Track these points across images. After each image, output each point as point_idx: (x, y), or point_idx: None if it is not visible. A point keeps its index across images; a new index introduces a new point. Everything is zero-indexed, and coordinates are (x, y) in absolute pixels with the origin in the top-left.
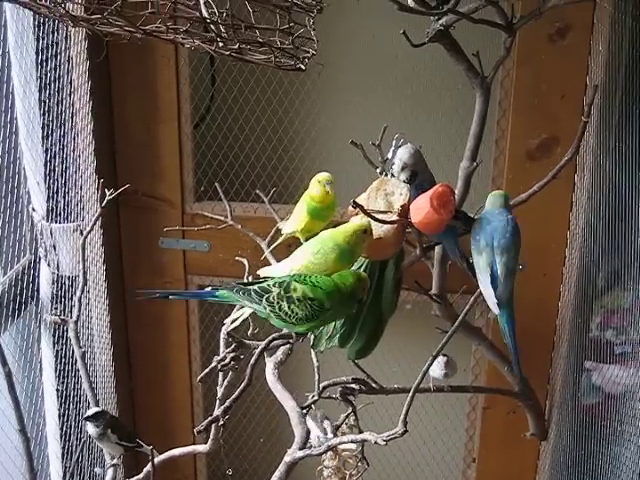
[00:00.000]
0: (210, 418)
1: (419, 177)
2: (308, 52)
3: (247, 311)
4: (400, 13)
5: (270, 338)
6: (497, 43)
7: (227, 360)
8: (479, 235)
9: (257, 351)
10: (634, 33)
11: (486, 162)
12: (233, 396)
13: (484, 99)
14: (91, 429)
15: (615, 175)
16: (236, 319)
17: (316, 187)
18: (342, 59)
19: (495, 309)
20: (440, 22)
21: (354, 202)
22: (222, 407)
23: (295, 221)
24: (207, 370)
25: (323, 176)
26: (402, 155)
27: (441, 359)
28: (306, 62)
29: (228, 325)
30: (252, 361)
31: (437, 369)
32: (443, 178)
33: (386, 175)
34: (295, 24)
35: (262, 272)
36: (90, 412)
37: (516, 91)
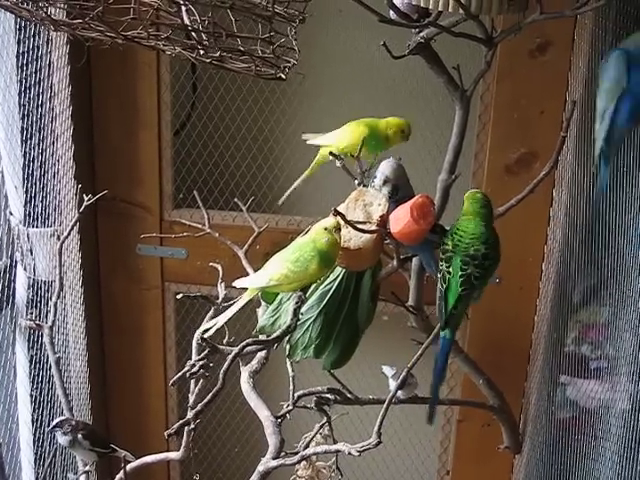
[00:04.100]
0: (181, 421)
1: (400, 192)
2: (289, 62)
3: (221, 320)
4: (381, 25)
5: (244, 344)
6: (478, 57)
7: (196, 368)
8: None
9: (230, 357)
10: None
11: (465, 175)
12: (205, 400)
13: (464, 112)
14: (60, 438)
15: (592, 190)
16: (209, 329)
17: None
18: (323, 69)
19: None
20: (421, 35)
21: (335, 210)
22: (194, 411)
23: (347, 135)
24: (180, 374)
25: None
26: (384, 169)
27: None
28: (287, 72)
29: (200, 334)
30: (224, 367)
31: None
32: (421, 190)
33: (365, 186)
34: (276, 33)
35: (238, 283)
36: (56, 421)
37: (496, 105)
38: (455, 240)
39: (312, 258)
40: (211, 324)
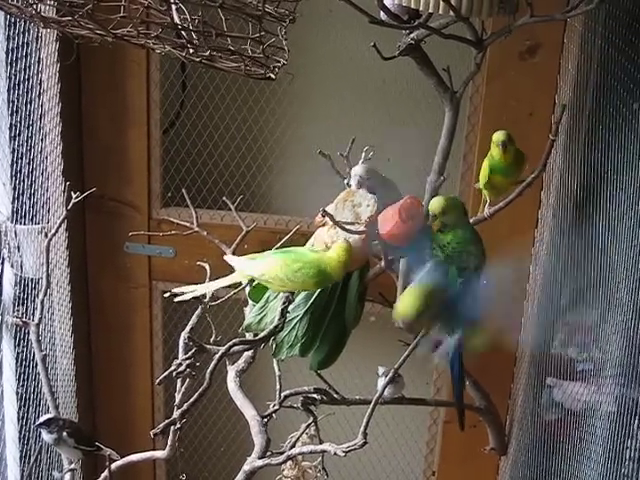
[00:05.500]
0: (167, 421)
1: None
2: (279, 61)
3: (200, 290)
4: (372, 26)
5: (231, 343)
6: (468, 59)
7: (182, 367)
8: None
9: (217, 356)
10: (603, 54)
11: (454, 177)
12: (191, 399)
13: (453, 114)
14: (45, 436)
15: (580, 194)
16: (183, 293)
17: (494, 148)
18: (313, 69)
19: None
20: (411, 36)
21: (324, 210)
22: (180, 410)
23: (480, 176)
24: (166, 373)
25: (496, 136)
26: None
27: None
28: (276, 71)
29: (170, 295)
30: (211, 367)
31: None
32: (410, 191)
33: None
34: (266, 33)
35: (228, 258)
36: (42, 419)
37: (485, 107)
38: (447, 252)
39: (313, 277)
40: (189, 289)
